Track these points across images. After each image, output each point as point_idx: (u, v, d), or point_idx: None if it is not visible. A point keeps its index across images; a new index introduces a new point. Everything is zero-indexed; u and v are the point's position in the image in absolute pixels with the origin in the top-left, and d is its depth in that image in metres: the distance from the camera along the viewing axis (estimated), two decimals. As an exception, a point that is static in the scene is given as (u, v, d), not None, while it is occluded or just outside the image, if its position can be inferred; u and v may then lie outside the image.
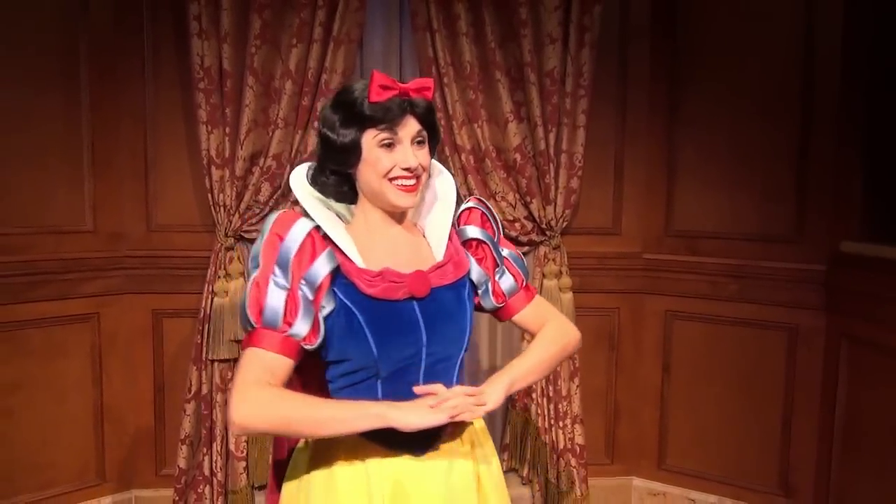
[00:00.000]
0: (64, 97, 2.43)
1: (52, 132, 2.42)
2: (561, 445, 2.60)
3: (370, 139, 1.23)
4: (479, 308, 1.45)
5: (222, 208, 2.45)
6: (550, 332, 1.44)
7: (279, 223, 1.23)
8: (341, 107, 1.25)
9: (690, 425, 2.71)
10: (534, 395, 2.62)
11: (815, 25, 2.39)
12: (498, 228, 1.46)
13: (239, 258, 2.49)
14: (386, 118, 1.22)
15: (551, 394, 2.60)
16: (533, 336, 1.46)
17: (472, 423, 1.40)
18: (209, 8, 2.33)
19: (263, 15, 2.33)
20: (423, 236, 1.38)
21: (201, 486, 2.52)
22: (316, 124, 2.38)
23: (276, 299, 1.18)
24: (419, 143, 1.27)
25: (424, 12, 2.42)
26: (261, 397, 1.15)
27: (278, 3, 2.36)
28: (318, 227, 1.25)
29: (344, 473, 1.27)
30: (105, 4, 2.47)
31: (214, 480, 2.51)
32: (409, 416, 1.14)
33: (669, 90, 2.66)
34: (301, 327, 1.19)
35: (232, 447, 2.50)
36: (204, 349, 2.48)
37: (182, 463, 2.53)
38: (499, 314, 1.46)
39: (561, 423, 2.60)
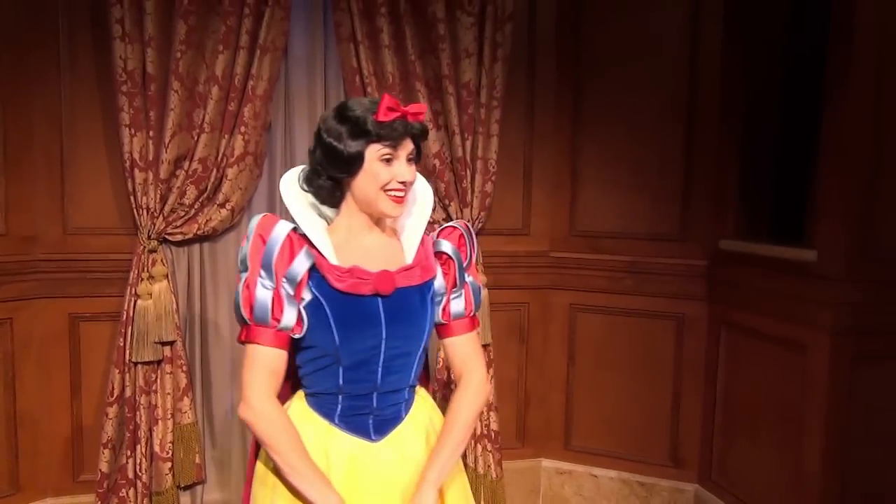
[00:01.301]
0: (-29, 94, 2.36)
1: (-40, 132, 2.35)
2: (478, 432, 2.79)
3: (373, 153, 1.37)
4: None
5: (145, 211, 2.45)
6: (466, 404, 1.50)
7: (261, 226, 1.38)
8: (348, 120, 1.38)
9: (593, 408, 2.97)
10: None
11: (698, 45, 2.70)
12: (472, 257, 1.57)
13: (162, 261, 2.50)
14: (391, 136, 1.37)
15: (469, 384, 2.78)
16: (449, 366, 1.59)
17: (428, 413, 1.54)
18: (132, 11, 2.33)
19: (189, 20, 2.37)
20: (399, 238, 1.52)
21: (124, 490, 2.51)
22: (241, 129, 2.46)
23: (263, 298, 1.35)
24: (410, 160, 1.42)
25: (348, 24, 2.53)
26: (265, 417, 1.35)
27: (203, 9, 2.40)
28: (295, 228, 1.40)
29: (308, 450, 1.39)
30: (18, 1, 2.41)
31: (139, 483, 2.51)
32: None
33: (573, 101, 2.91)
34: (288, 320, 1.36)
35: (157, 449, 2.51)
36: (127, 352, 2.48)
37: (104, 467, 2.51)
38: (438, 330, 1.57)
39: (477, 411, 2.79)
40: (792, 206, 2.69)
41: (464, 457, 2.78)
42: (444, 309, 1.54)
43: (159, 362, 2.51)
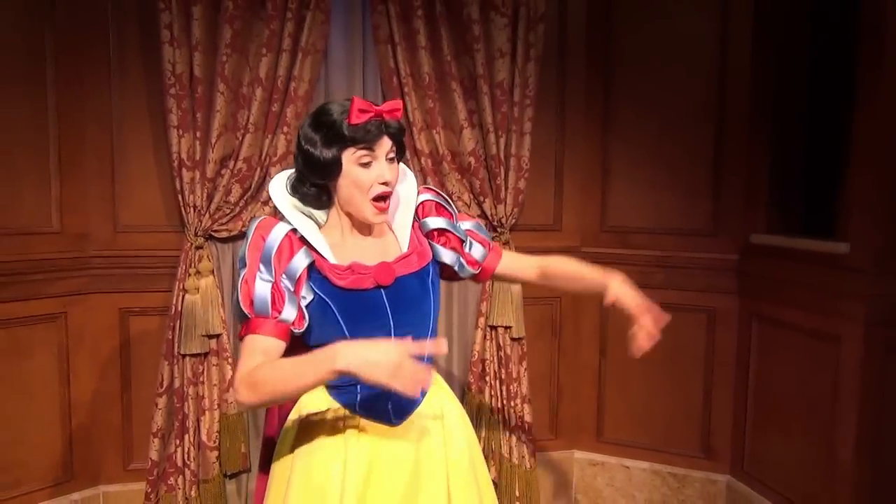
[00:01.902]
0: (30, 100, 2.47)
1: (18, 134, 2.45)
2: (512, 423, 2.86)
3: (350, 157, 1.39)
4: (455, 278, 1.67)
5: (192, 209, 2.55)
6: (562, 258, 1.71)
7: (261, 227, 1.42)
8: (322, 127, 1.39)
9: (624, 401, 3.02)
10: (487, 379, 2.86)
11: (727, 45, 2.74)
12: (452, 209, 1.64)
13: (208, 257, 2.60)
14: (365, 139, 1.38)
15: (503, 376, 2.85)
16: (519, 280, 1.73)
17: (439, 399, 1.57)
18: (180, 18, 2.43)
19: (234, 25, 2.46)
20: (391, 230, 1.56)
21: (173, 478, 2.60)
22: (284, 129, 2.56)
23: (263, 291, 1.37)
24: (391, 159, 1.43)
25: (386, 26, 2.61)
26: (251, 381, 1.29)
27: (248, 14, 2.49)
28: (294, 230, 1.43)
29: (323, 444, 1.44)
30: (71, 9, 2.52)
31: (187, 471, 2.60)
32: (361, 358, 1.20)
33: (603, 99, 2.97)
34: (289, 313, 1.37)
35: (204, 438, 2.61)
36: (175, 344, 2.58)
37: (154, 455, 2.61)
38: (478, 278, 1.68)
39: (511, 403, 2.86)
40: (822, 202, 2.72)
41: (498, 447, 2.86)
42: (468, 262, 1.62)
43: (206, 354, 2.61)
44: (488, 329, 2.83)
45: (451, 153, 2.74)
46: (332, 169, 1.40)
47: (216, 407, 2.63)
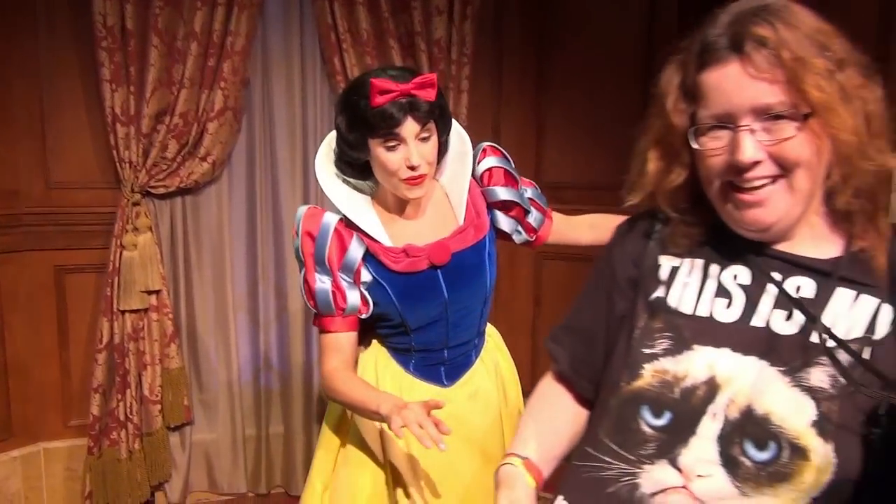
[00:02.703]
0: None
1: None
2: (450, 373, 2.98)
3: (376, 144, 1.34)
4: (507, 239, 1.59)
5: (128, 165, 2.53)
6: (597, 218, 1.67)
7: (307, 221, 1.40)
8: (348, 107, 1.35)
9: (557, 350, 3.17)
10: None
11: (656, 4, 2.84)
12: (515, 174, 1.55)
13: (146, 213, 2.58)
14: (387, 125, 1.30)
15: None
16: (571, 243, 1.67)
17: (494, 357, 1.60)
18: (110, -33, 2.38)
19: (167, -23, 2.42)
20: (445, 194, 1.49)
21: (115, 432, 2.62)
22: (221, 84, 2.55)
23: (323, 291, 1.39)
24: (424, 139, 1.34)
25: (323, -19, 2.61)
26: (328, 385, 1.41)
27: (181, -35, 2.45)
28: (342, 218, 1.40)
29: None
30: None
31: (130, 424, 2.63)
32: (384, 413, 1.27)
33: (538, 59, 3.04)
34: (353, 305, 1.41)
35: (146, 392, 2.64)
36: (114, 301, 2.57)
37: (96, 410, 2.62)
38: (532, 245, 1.62)
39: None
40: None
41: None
42: (526, 229, 1.56)
43: (146, 310, 2.61)
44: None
45: (390, 110, 2.78)
46: (360, 151, 1.36)
47: (157, 362, 2.65)
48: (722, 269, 0.88)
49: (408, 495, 1.43)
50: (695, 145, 0.85)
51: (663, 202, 0.92)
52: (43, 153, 2.59)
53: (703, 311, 0.86)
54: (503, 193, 1.49)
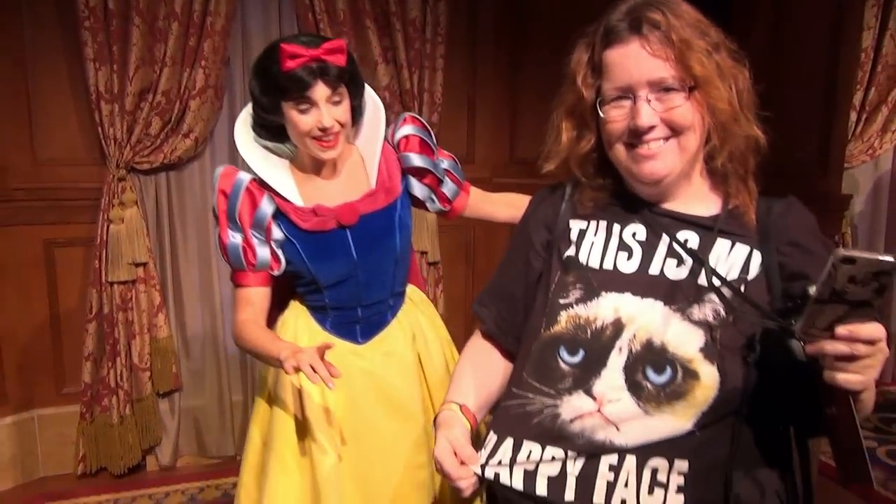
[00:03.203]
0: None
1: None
2: (428, 341, 3.11)
3: (289, 107, 1.38)
4: (424, 209, 1.66)
5: (113, 141, 2.61)
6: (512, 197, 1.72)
7: (222, 180, 1.47)
8: (260, 73, 1.40)
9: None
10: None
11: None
12: (434, 143, 1.61)
13: (131, 188, 2.68)
14: (298, 88, 1.35)
15: (419, 298, 3.08)
16: (488, 218, 1.73)
17: (415, 316, 1.65)
18: (91, -52, 2.45)
19: (147, -42, 2.49)
20: (361, 158, 1.54)
21: (107, 398, 2.75)
22: (202, 63, 2.63)
23: (234, 247, 1.47)
24: (335, 102, 1.39)
25: (300, -38, 2.69)
26: (236, 333, 1.49)
27: (161, -54, 2.52)
28: (255, 178, 1.47)
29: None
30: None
31: (120, 391, 2.75)
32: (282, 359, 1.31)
33: (512, 38, 3.15)
34: (262, 261, 1.48)
35: (136, 360, 2.75)
36: (102, 273, 2.68)
37: (87, 378, 2.74)
38: (447, 216, 1.69)
39: (428, 323, 3.10)
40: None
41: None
42: (440, 198, 1.62)
43: (133, 282, 2.72)
44: (405, 255, 3.04)
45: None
46: (274, 115, 1.42)
47: (146, 331, 2.77)
48: (622, 228, 1.03)
49: (324, 451, 1.48)
50: (601, 114, 0.99)
51: (575, 167, 1.06)
52: (29, 130, 2.67)
53: (608, 265, 1.01)
54: (417, 160, 1.56)
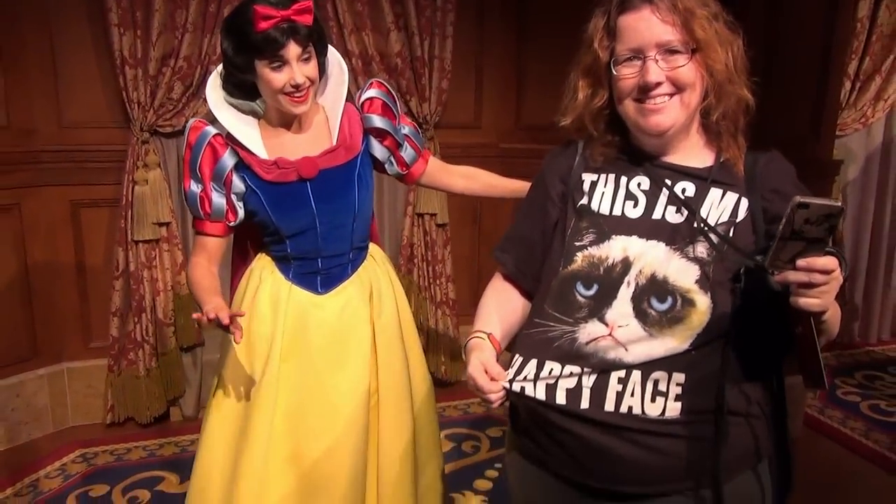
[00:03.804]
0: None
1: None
2: (438, 300, 3.26)
3: (262, 65, 1.47)
4: (384, 172, 1.78)
5: (137, 105, 2.72)
6: (482, 172, 1.87)
7: (191, 133, 1.56)
8: (232, 32, 1.47)
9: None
10: (415, 261, 3.23)
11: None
12: (397, 109, 1.71)
13: (154, 151, 2.79)
14: (271, 48, 1.43)
15: (429, 259, 3.23)
16: (443, 188, 1.88)
17: (375, 272, 1.74)
18: (116, -84, 2.52)
19: (169, -74, 2.57)
20: (326, 117, 1.64)
21: (133, 352, 2.89)
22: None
23: (193, 195, 1.57)
24: (305, 60, 1.49)
25: (316, -69, 2.76)
26: (188, 276, 1.60)
27: (182, -85, 2.60)
28: (220, 133, 1.55)
29: (263, 297, 1.64)
30: None
31: (146, 345, 2.89)
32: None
33: (519, 7, 3.24)
34: (218, 211, 1.57)
35: (161, 315, 2.89)
36: (128, 232, 2.80)
37: (115, 332, 2.88)
38: (404, 180, 1.80)
39: (437, 282, 3.25)
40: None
41: (426, 320, 3.27)
42: (398, 162, 1.73)
43: (158, 241, 2.85)
44: (416, 216, 3.18)
45: (380, 54, 2.98)
46: (247, 73, 1.50)
47: (170, 288, 2.90)
48: (629, 180, 1.18)
49: (275, 398, 1.60)
50: (615, 72, 1.13)
51: (588, 122, 1.19)
52: (55, 95, 2.77)
53: (617, 211, 1.16)
54: (377, 121, 1.67)
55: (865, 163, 3.95)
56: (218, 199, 1.56)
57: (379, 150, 1.71)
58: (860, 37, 3.55)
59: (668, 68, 1.08)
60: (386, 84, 1.73)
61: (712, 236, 1.09)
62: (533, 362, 1.13)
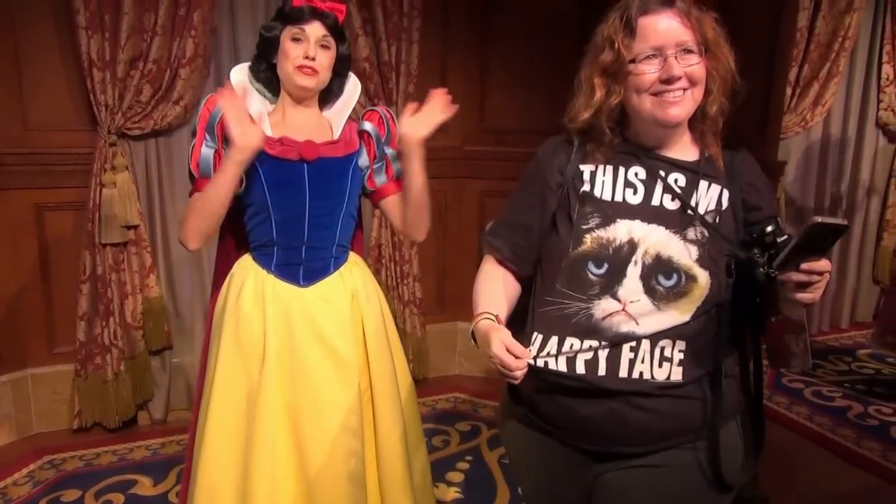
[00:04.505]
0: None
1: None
2: (405, 299, 3.33)
3: (286, 34, 1.65)
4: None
5: (104, 108, 2.71)
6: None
7: (208, 101, 1.66)
8: (277, 12, 1.70)
9: (499, 278, 3.55)
10: (383, 261, 3.29)
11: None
12: (391, 133, 1.81)
13: (122, 153, 2.78)
14: (298, 18, 1.64)
15: (397, 259, 3.29)
16: (391, 221, 1.88)
17: (360, 278, 1.80)
18: (83, -81, 2.51)
19: (138, -71, 2.57)
20: (329, 125, 1.77)
21: (99, 357, 2.87)
22: (192, 32, 2.74)
23: (206, 155, 1.65)
24: (324, 46, 1.66)
25: (284, -63, 2.81)
26: (181, 219, 1.67)
27: (151, -82, 2.61)
28: None
29: (246, 296, 1.69)
30: None
31: (114, 349, 2.87)
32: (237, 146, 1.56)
33: (483, 13, 3.34)
34: None
35: (129, 319, 2.88)
36: (96, 235, 2.78)
37: (81, 336, 2.85)
38: (372, 198, 1.85)
39: (405, 282, 3.32)
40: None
41: (395, 319, 3.32)
42: (369, 178, 1.80)
43: (125, 244, 2.84)
44: (382, 218, 3.23)
45: (348, 59, 3.03)
46: (274, 44, 1.67)
47: (138, 291, 2.89)
48: (626, 170, 1.30)
49: (277, 399, 1.66)
50: (633, 69, 1.24)
51: (605, 118, 1.29)
52: (20, 96, 2.73)
53: (618, 198, 1.28)
54: (368, 126, 1.80)
55: (804, 162, 4.20)
56: None
57: (363, 159, 1.80)
58: (800, 45, 3.78)
59: (684, 65, 1.21)
60: (391, 112, 1.87)
61: (702, 222, 1.24)
62: (554, 339, 1.26)
